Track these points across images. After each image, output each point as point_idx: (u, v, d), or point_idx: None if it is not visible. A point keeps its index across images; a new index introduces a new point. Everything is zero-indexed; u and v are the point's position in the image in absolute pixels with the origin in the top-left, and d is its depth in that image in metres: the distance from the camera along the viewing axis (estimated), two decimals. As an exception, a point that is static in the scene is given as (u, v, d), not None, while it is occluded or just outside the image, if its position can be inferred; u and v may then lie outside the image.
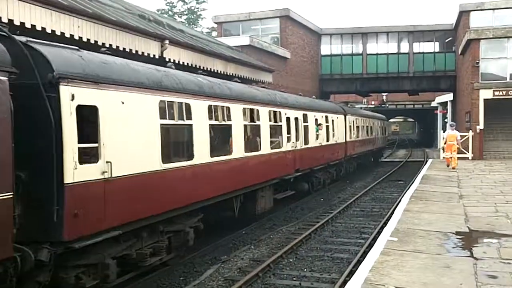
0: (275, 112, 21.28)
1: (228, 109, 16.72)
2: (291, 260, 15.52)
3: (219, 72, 26.83)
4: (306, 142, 25.53)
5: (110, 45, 17.80)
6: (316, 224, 20.09)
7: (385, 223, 17.42)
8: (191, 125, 14.34)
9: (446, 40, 56.53)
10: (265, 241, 17.99)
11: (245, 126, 18.15)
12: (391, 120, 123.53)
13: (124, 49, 18.68)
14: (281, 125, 21.96)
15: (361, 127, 41.52)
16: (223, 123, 16.46)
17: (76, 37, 16.07)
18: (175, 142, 14.37)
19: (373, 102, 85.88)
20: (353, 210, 24.24)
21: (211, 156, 15.37)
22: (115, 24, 18.16)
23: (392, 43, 57.21)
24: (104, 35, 17.58)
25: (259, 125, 19.50)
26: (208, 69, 24.89)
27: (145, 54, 19.92)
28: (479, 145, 40.15)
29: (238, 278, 13.54)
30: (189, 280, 13.67)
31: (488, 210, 17.86)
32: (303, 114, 25.42)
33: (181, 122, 13.94)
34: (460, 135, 34.33)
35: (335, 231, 19.61)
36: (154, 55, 20.48)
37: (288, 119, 22.85)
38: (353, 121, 38.11)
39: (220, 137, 16.69)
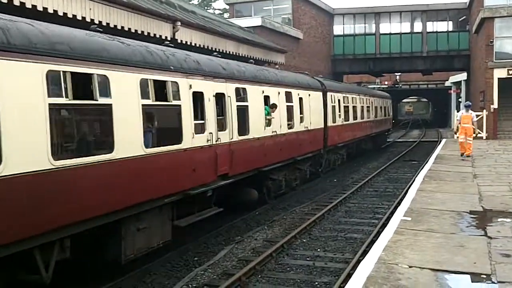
0: (162, 83, 12.66)
1: None
2: (304, 240, 15.53)
3: (231, 53, 26.76)
4: (243, 131, 17.03)
5: (122, 27, 17.82)
6: (329, 204, 20.05)
7: (399, 203, 17.36)
8: None
9: (460, 19, 56.14)
10: (279, 221, 18.00)
11: (60, 108, 9.80)
12: (405, 100, 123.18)
13: (136, 31, 18.67)
14: (179, 106, 13.24)
15: (352, 108, 33.25)
16: None
17: (88, 19, 16.10)
18: None
19: (386, 82, 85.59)
20: (366, 190, 24.17)
21: None
22: (126, 5, 18.15)
23: (405, 23, 56.91)
24: (115, 17, 17.59)
25: (110, 106, 10.80)
26: (220, 51, 24.82)
27: (157, 36, 19.90)
28: (493, 125, 39.93)
29: (251, 258, 13.55)
30: (203, 260, 13.71)
31: (502, 189, 17.79)
32: (237, 88, 16.77)
33: None
34: (476, 115, 31.04)
35: (348, 211, 19.59)
36: (166, 37, 20.44)
37: (198, 96, 14.25)
38: (338, 100, 29.82)
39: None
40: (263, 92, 18.82)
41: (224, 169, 15.47)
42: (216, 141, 14.85)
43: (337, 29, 57.13)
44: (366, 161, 35.93)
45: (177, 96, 13.21)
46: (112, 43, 11.45)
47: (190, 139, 13.57)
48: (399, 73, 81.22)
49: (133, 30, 18.48)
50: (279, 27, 41.87)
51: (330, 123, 27.49)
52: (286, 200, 21.56)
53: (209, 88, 14.71)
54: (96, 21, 16.48)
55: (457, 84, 67.64)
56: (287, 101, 21.23)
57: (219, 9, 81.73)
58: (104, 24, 16.86)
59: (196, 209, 14.54)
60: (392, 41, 55.64)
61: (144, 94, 11.82)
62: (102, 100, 10.58)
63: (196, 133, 13.88)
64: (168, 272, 12.79)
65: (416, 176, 23.26)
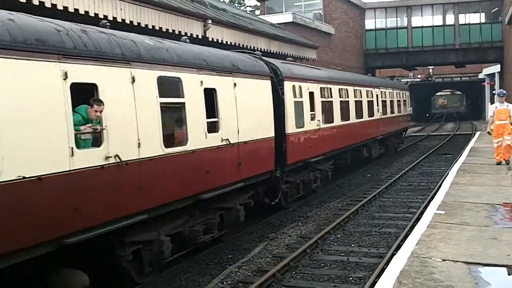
0: None
1: None
2: (338, 236, 15.56)
3: (263, 50, 26.79)
4: None
5: (153, 26, 17.94)
6: (363, 199, 20.04)
7: (433, 197, 17.27)
8: None
9: (492, 11, 55.46)
10: (312, 217, 18.04)
11: None
12: (438, 93, 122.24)
13: (167, 30, 18.78)
14: None
15: (339, 103, 23.38)
16: None
17: (119, 20, 16.23)
18: None
19: (419, 76, 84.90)
20: (400, 185, 24.09)
21: None
22: (158, 5, 18.25)
23: (437, 15, 56.45)
24: (146, 16, 17.71)
25: None
26: (252, 47, 24.86)
27: (188, 34, 19.99)
28: (527, 117, 39.37)
29: (286, 254, 13.61)
30: (238, 257, 13.81)
31: (538, 181, 17.58)
32: None
33: None
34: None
35: (382, 206, 19.56)
36: (197, 35, 20.54)
37: None
38: (311, 93, 20.04)
39: None
40: (66, 75, 8.63)
41: None
42: None
43: (369, 24, 56.86)
44: (400, 156, 35.73)
45: None
46: None
47: None
48: (432, 67, 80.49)
49: (164, 29, 18.58)
50: (310, 23, 41.83)
51: (291, 128, 18.14)
52: (319, 196, 21.55)
53: None
54: (127, 21, 16.63)
55: (491, 76, 66.81)
56: (162, 95, 11.19)
57: (250, 6, 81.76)
58: (135, 23, 16.99)
59: None
60: (424, 34, 55.19)
61: None
62: None
63: None
64: (203, 270, 12.89)
65: (450, 169, 23.07)
